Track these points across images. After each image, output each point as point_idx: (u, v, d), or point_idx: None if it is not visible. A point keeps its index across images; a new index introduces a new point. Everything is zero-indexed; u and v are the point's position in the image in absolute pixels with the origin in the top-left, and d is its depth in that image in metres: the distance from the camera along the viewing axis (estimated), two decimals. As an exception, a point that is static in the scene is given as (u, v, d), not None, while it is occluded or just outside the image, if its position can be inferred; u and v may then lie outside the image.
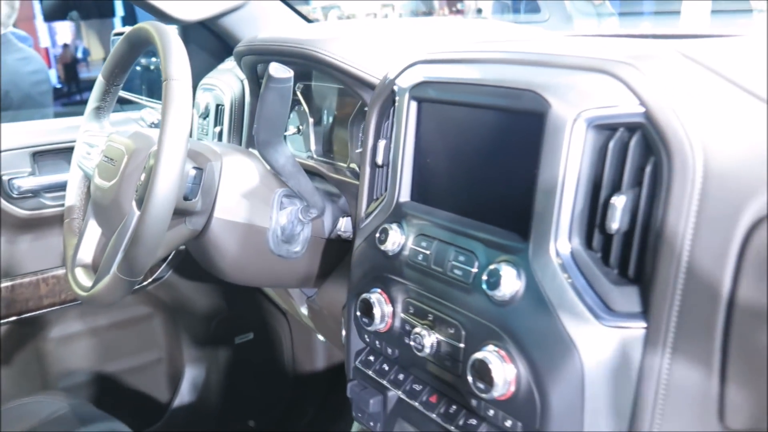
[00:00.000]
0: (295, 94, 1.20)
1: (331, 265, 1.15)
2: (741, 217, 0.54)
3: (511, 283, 0.67)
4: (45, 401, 1.28)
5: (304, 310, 1.28)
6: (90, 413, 1.28)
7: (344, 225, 1.14)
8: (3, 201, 1.46)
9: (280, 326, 1.80)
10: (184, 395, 1.75)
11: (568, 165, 0.63)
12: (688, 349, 0.58)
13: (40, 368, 1.59)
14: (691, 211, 0.56)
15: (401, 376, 0.84)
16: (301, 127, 1.21)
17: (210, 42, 1.47)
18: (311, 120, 1.18)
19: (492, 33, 1.15)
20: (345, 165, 1.10)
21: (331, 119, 1.16)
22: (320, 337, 1.47)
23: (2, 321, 1.49)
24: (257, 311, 1.80)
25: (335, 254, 1.14)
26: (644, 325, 0.61)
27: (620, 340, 0.62)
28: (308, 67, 1.10)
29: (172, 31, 0.90)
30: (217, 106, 1.39)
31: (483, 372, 0.67)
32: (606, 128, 0.63)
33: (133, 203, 0.92)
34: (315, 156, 1.18)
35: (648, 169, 0.60)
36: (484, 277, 0.69)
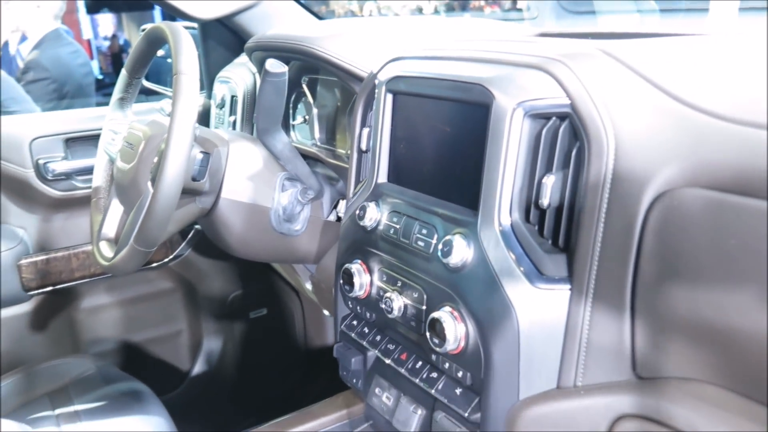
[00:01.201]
0: (300, 86, 1.31)
1: (329, 243, 1.26)
2: (644, 194, 0.63)
3: (462, 251, 0.77)
4: (75, 362, 1.42)
5: (308, 286, 1.40)
6: (115, 374, 1.41)
7: (342, 207, 1.25)
8: (39, 183, 1.60)
9: (292, 303, 1.92)
10: (202, 364, 1.89)
11: (509, 149, 0.73)
12: (604, 308, 0.68)
13: (72, 334, 1.73)
14: (605, 189, 0.66)
15: (378, 338, 0.94)
16: (306, 117, 1.32)
17: (226, 38, 1.59)
18: (315, 110, 1.29)
19: (469, 31, 1.23)
20: (344, 152, 1.21)
21: (332, 110, 1.26)
22: (326, 312, 1.58)
23: (38, 291, 1.64)
24: (270, 288, 1.92)
25: (333, 233, 1.25)
26: (569, 287, 0.70)
27: (549, 301, 0.71)
28: (309, 62, 1.21)
29: (184, 30, 1.01)
30: (232, 97, 1.51)
31: (438, 329, 0.77)
32: (540, 117, 0.72)
33: (149, 183, 1.03)
34: (318, 143, 1.29)
35: (574, 153, 0.70)
36: (440, 247, 0.79)
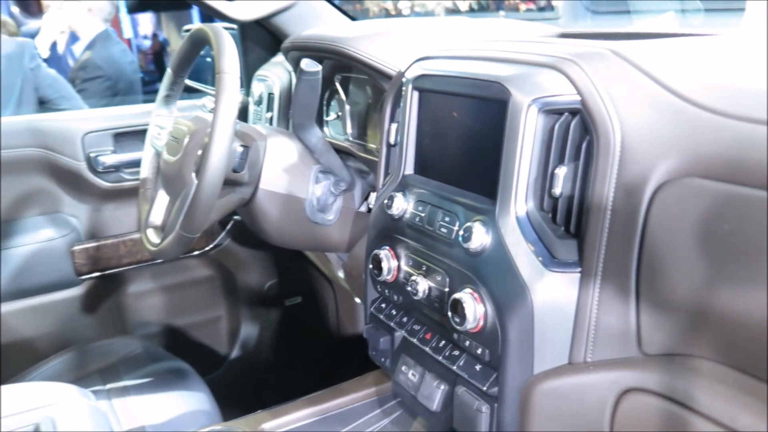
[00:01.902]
0: (334, 84, 1.39)
1: (360, 233, 1.33)
2: (647, 184, 0.69)
3: (481, 237, 0.83)
4: (123, 342, 1.52)
5: (341, 274, 1.47)
6: (160, 354, 1.51)
7: (372, 198, 1.32)
8: (90, 175, 1.71)
9: (326, 291, 2.00)
10: (241, 348, 1.98)
11: (524, 142, 0.79)
12: (611, 289, 0.73)
13: (119, 317, 1.84)
14: (612, 178, 0.71)
15: (404, 319, 1.01)
16: (339, 113, 1.39)
17: (264, 38, 1.67)
18: (347, 107, 1.36)
19: (492, 31, 1.29)
20: (375, 146, 1.28)
21: (363, 106, 1.33)
22: (357, 300, 1.66)
23: (89, 276, 1.75)
24: (305, 277, 2.01)
25: (364, 223, 1.32)
26: (579, 270, 0.76)
27: (561, 283, 0.77)
28: (341, 61, 1.28)
29: (226, 32, 1.09)
30: (269, 94, 1.59)
31: (459, 309, 0.84)
32: (553, 113, 0.78)
33: (193, 174, 1.12)
34: (350, 138, 1.36)
35: (584, 146, 0.75)
36: (461, 233, 0.85)
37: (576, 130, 0.76)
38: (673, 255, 0.67)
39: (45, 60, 2.66)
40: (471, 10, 6.48)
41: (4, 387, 0.98)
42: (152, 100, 1.36)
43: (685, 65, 0.74)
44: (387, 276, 1.00)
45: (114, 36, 2.92)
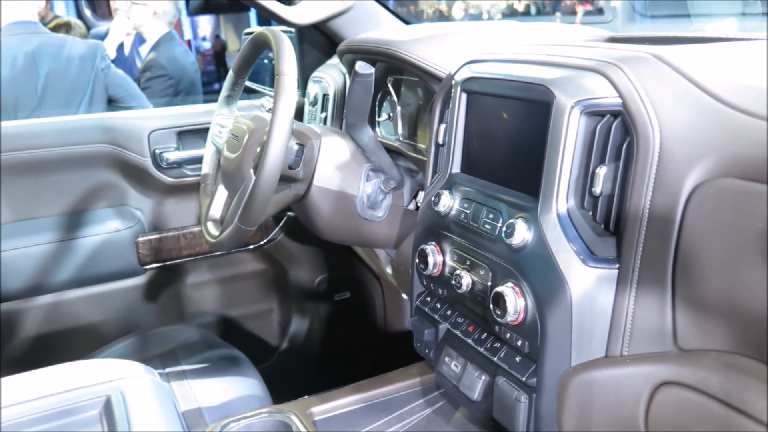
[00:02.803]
0: (386, 86, 1.44)
1: (408, 230, 1.37)
2: (684, 184, 0.71)
3: (523, 233, 0.87)
4: (181, 330, 1.61)
5: (388, 270, 1.52)
6: (216, 341, 1.59)
7: (421, 197, 1.36)
8: (155, 170, 1.80)
9: (374, 288, 2.05)
10: (291, 340, 2.05)
11: (567, 142, 0.82)
12: (648, 285, 0.76)
13: (178, 305, 1.94)
14: (651, 178, 0.74)
15: (448, 312, 1.05)
16: (391, 114, 1.44)
17: (320, 41, 1.73)
18: (399, 108, 1.41)
19: (540, 35, 1.32)
20: (424, 146, 1.32)
21: (414, 107, 1.38)
22: (404, 296, 1.70)
23: (151, 266, 1.85)
24: (354, 274, 2.06)
25: (412, 221, 1.36)
26: (617, 266, 0.79)
27: (600, 279, 0.80)
28: (394, 64, 1.33)
29: (285, 36, 1.15)
30: (324, 95, 1.65)
31: (501, 303, 0.88)
32: (595, 114, 0.81)
33: (251, 170, 1.18)
34: (401, 138, 1.41)
35: (624, 147, 0.78)
36: (504, 229, 0.89)
37: (617, 132, 0.79)
38: (709, 253, 0.70)
39: (113, 60, 2.81)
40: (527, 11, 6.45)
41: (77, 362, 1.06)
42: (209, 100, 1.44)
43: (725, 69, 0.76)
44: (432, 270, 1.04)
45: (177, 37, 3.05)
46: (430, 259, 1.04)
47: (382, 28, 1.63)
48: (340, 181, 1.28)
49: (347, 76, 1.57)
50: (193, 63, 3.03)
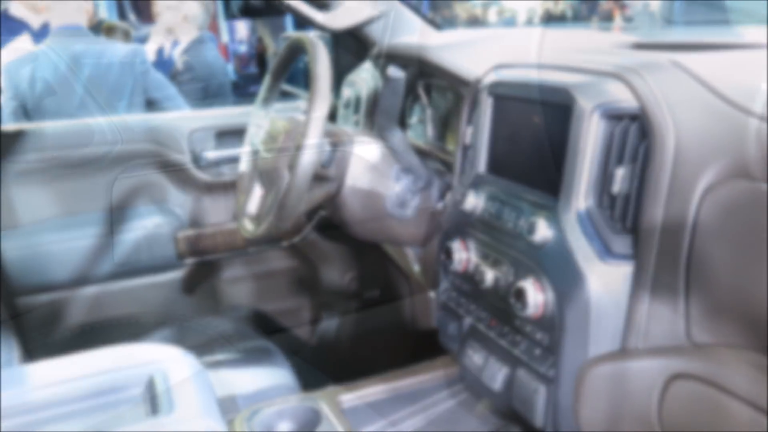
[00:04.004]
0: (417, 89, 1.49)
1: (436, 228, 1.42)
2: (698, 183, 0.75)
3: (544, 231, 0.91)
4: (216, 322, 1.67)
5: (416, 267, 1.57)
6: (249, 333, 1.65)
7: (449, 197, 1.41)
8: (194, 169, 1.88)
9: (402, 287, 2.10)
10: (321, 335, 2.11)
11: (587, 144, 0.86)
12: (662, 282, 0.79)
13: (214, 299, 2.01)
14: (665, 180, 0.78)
15: (472, 306, 1.09)
16: (421, 117, 1.49)
17: (354, 46, 1.79)
18: (429, 111, 1.46)
19: (566, 41, 1.35)
20: (453, 148, 1.37)
21: (443, 111, 1.42)
22: (431, 294, 1.74)
23: (189, 260, 1.92)
24: (383, 273, 2.11)
25: (440, 220, 1.41)
26: (633, 263, 0.82)
27: (616, 275, 0.84)
28: (424, 68, 1.38)
29: (320, 42, 1.21)
30: (356, 98, 1.70)
31: (521, 296, 0.92)
32: (614, 118, 0.85)
33: (287, 169, 1.24)
34: (430, 140, 1.45)
35: (641, 149, 0.82)
36: (526, 227, 0.93)
37: (634, 134, 0.83)
38: (720, 251, 0.73)
39: (153, 63, 2.91)
40: (563, 16, 6.43)
41: (122, 346, 1.13)
42: (244, 102, 1.50)
43: (741, 75, 0.79)
44: (457, 266, 1.09)
45: (208, 41, 3.14)
46: (456, 256, 1.08)
47: (414, 34, 1.68)
48: (371, 180, 1.33)
49: (379, 79, 1.62)
50: (223, 67, 3.11)
